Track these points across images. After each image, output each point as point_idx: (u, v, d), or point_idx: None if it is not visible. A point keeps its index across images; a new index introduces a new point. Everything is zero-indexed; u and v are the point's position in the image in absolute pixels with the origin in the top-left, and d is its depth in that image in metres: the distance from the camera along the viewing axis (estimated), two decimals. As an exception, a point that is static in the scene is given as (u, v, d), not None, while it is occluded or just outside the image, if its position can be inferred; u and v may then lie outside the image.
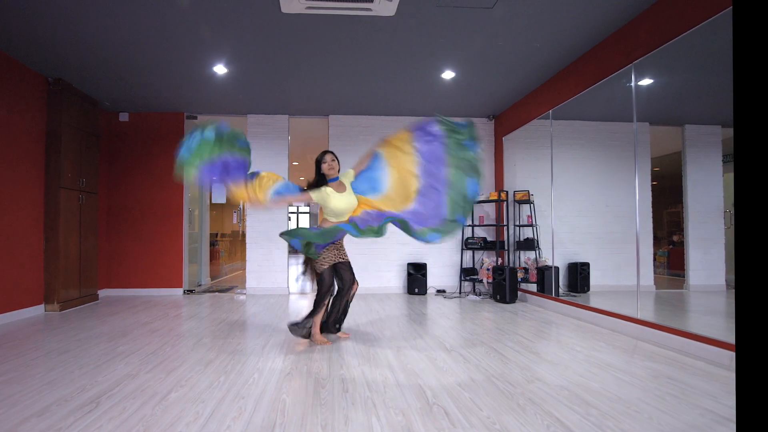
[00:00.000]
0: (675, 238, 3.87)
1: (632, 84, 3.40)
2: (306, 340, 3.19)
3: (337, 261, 3.20)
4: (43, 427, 1.74)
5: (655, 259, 3.89)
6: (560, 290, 4.68)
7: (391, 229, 3.09)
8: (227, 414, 1.87)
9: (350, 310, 4.61)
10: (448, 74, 4.54)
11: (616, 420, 1.82)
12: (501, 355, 2.80)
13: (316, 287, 3.23)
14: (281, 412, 1.90)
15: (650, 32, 3.19)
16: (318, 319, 3.14)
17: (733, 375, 2.40)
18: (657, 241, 3.85)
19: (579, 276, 4.64)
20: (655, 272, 3.86)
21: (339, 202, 3.10)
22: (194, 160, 2.61)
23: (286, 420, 1.81)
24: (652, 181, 3.71)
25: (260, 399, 2.05)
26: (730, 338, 2.60)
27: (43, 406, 1.95)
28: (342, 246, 3.30)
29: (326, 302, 3.18)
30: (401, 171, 3.06)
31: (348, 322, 3.86)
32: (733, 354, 2.53)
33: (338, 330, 3.39)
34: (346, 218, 3.14)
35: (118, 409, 1.91)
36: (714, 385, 2.25)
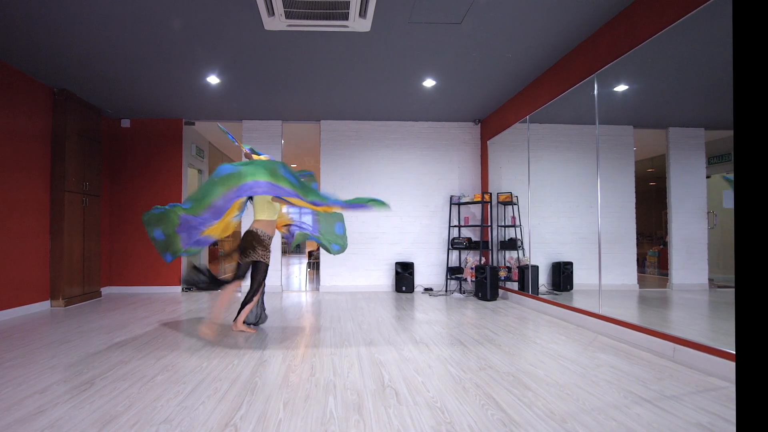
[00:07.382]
0: (667, 238, 4.03)
1: (595, 93, 3.61)
2: (215, 328, 3.50)
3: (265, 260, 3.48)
4: (44, 401, 2.01)
5: (645, 259, 4.07)
6: (544, 288, 4.88)
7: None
8: (203, 393, 2.13)
9: (338, 305, 4.87)
10: (429, 82, 4.77)
11: (546, 401, 2.05)
12: (464, 347, 3.04)
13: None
14: (251, 391, 2.15)
15: (609, 46, 3.41)
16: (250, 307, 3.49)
17: (672, 364, 2.62)
18: (653, 240, 4.01)
19: (562, 275, 4.84)
20: (645, 272, 4.02)
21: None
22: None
23: (254, 398, 2.07)
24: (650, 182, 3.87)
25: (235, 381, 2.30)
26: (676, 332, 2.82)
27: (44, 386, 2.22)
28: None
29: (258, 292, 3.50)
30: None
31: (331, 318, 4.12)
32: (675, 345, 2.75)
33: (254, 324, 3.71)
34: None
35: (109, 389, 2.18)
36: (650, 372, 2.47)
